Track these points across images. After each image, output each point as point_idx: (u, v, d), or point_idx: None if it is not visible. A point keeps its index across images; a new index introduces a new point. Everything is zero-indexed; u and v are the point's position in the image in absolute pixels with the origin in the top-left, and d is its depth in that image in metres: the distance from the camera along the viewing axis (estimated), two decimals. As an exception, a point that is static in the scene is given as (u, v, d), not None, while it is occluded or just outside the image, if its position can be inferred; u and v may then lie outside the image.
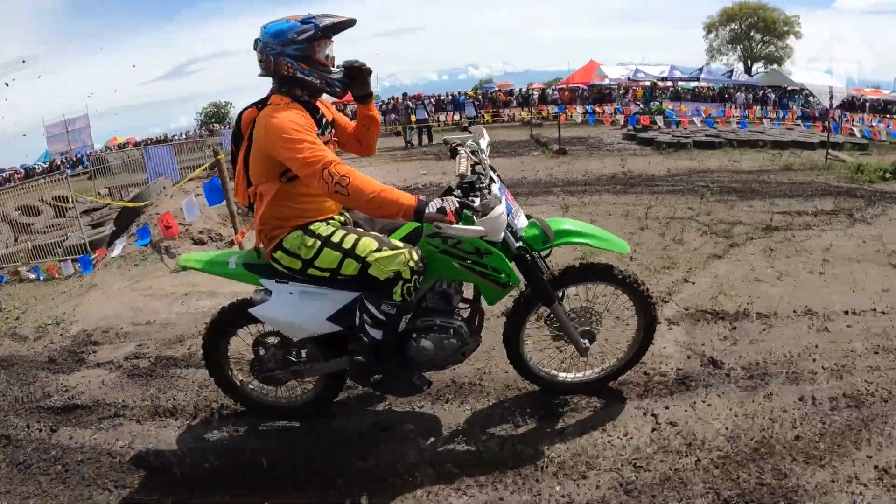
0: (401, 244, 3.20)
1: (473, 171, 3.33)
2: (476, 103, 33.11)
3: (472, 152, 3.50)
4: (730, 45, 59.66)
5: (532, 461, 3.66)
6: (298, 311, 3.40)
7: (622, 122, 22.60)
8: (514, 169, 15.43)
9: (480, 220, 3.03)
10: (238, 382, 3.97)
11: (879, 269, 6.99)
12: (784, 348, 4.91)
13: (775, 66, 53.09)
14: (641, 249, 7.61)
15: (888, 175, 13.65)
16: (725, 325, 5.41)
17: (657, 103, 25.89)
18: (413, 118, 25.07)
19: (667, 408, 4.09)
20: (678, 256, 7.26)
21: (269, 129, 3.02)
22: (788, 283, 6.45)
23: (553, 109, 28.80)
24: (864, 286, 6.36)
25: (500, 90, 45.86)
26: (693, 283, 6.44)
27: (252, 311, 3.47)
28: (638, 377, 4.41)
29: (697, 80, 41.45)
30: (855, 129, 18.96)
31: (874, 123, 23.87)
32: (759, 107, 32.02)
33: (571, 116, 24.26)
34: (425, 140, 24.59)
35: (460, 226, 2.96)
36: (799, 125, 24.13)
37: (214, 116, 65.41)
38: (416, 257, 3.14)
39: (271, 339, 3.71)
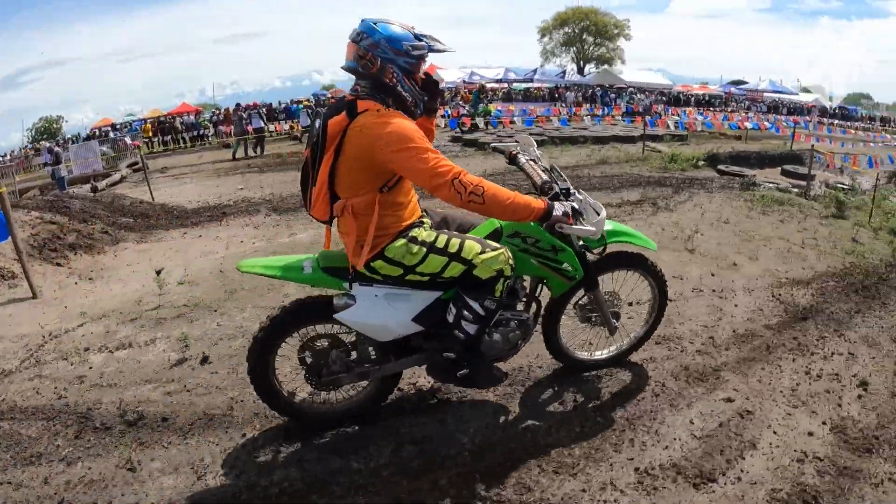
0: (497, 244, 3.42)
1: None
2: (310, 111, 32.02)
3: (532, 160, 3.98)
4: (563, 48, 62.20)
5: (253, 489, 3.44)
6: (386, 313, 3.44)
7: (443, 125, 22.43)
8: (330, 180, 14.77)
9: (592, 222, 3.41)
10: (285, 394, 3.84)
11: (674, 255, 6.99)
12: (555, 350, 4.70)
13: (606, 66, 56.00)
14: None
15: (700, 163, 14.19)
16: (504, 331, 5.12)
17: (484, 105, 26.07)
18: (250, 129, 23.68)
19: (413, 425, 3.94)
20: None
21: (385, 137, 2.98)
22: (577, 278, 6.24)
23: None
24: (656, 275, 6.24)
25: (332, 97, 44.86)
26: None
27: (337, 316, 3.44)
28: (398, 394, 4.24)
29: (531, 81, 42.81)
30: (670, 121, 19.80)
31: (697, 116, 25.18)
32: (588, 105, 33.19)
33: (392, 121, 23.89)
34: (257, 151, 23.17)
35: (577, 226, 3.32)
36: (622, 120, 24.99)
37: (46, 132, 60.54)
38: (510, 255, 3.39)
39: (319, 345, 3.67)
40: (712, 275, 6.39)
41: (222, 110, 37.10)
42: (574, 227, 3.30)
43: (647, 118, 18.10)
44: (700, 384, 4.37)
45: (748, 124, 21.88)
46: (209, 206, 12.06)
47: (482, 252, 3.28)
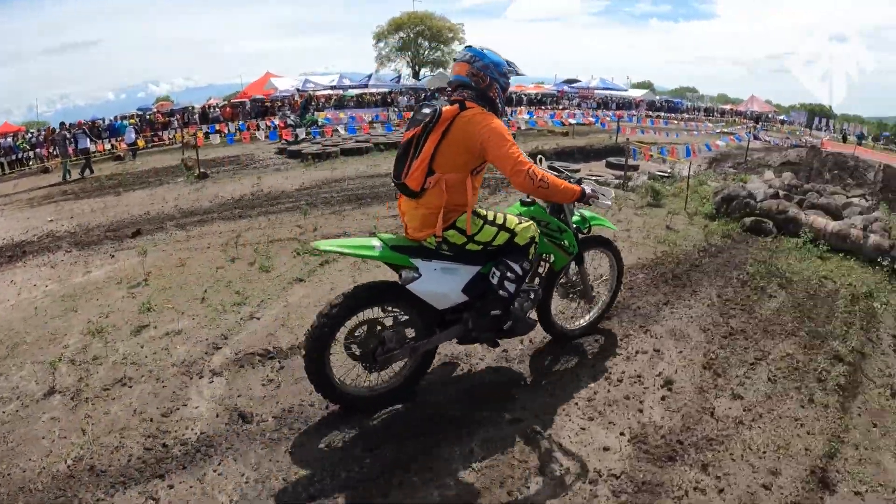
0: (526, 218, 4.37)
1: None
2: (136, 127, 29.62)
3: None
4: (399, 52, 62.14)
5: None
6: (443, 283, 4.07)
7: (263, 137, 21.30)
8: (142, 204, 13.19)
9: (609, 197, 4.51)
10: (338, 382, 4.12)
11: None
12: (339, 384, 4.37)
13: (441, 69, 56.43)
14: (219, 286, 6.54)
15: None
16: (273, 366, 4.76)
17: (310, 115, 25.14)
18: (72, 150, 20.98)
19: (172, 486, 3.53)
20: (255, 288, 6.37)
21: (486, 129, 3.77)
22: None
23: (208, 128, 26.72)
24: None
25: (158, 112, 41.97)
26: (258, 319, 5.61)
27: (409, 287, 3.95)
28: (157, 452, 3.82)
29: (366, 86, 42.25)
30: None
31: (524, 115, 25.34)
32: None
33: (207, 137, 22.43)
34: (85, 173, 20.10)
35: (600, 200, 4.36)
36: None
37: None
38: (536, 227, 4.36)
39: (361, 331, 4.02)
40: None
41: (42, 130, 33.78)
42: (599, 200, 4.33)
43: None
44: (486, 406, 4.05)
45: (573, 120, 22.21)
46: (12, 243, 10.62)
47: (519, 223, 4.18)
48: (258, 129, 22.18)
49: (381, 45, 62.11)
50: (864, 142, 49.86)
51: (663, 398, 4.24)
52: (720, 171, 18.35)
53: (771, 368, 4.76)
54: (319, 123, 23.40)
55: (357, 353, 4.03)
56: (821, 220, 9.17)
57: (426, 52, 62.28)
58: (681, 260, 7.36)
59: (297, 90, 38.61)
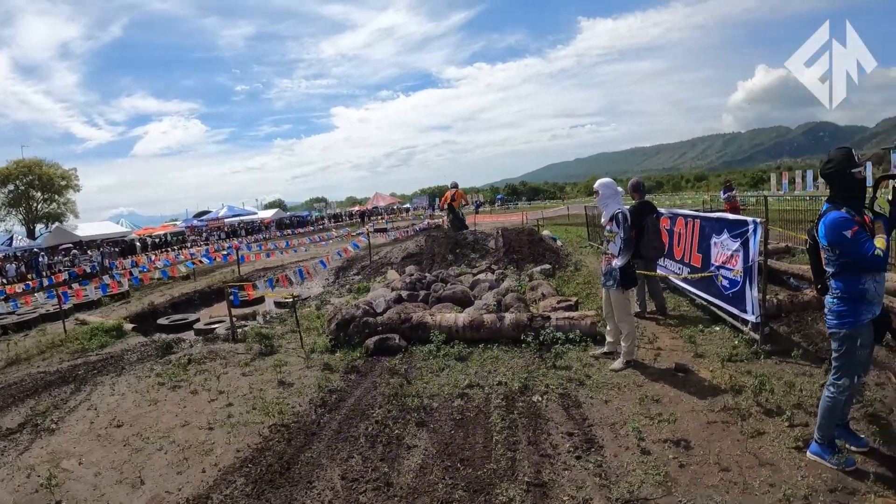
0: None
1: None
2: None
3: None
4: (11, 209, 54.55)
5: None
6: None
7: None
8: None
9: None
10: None
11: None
12: None
13: (59, 223, 50.53)
14: None
15: (127, 326, 12.02)
16: None
17: None
18: None
19: None
20: None
21: None
22: None
23: None
24: None
25: None
26: None
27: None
28: None
29: (-34, 255, 35.87)
30: (85, 290, 15.75)
31: (130, 270, 22.17)
32: (33, 274, 28.25)
33: None
34: None
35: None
36: (39, 297, 18.67)
37: None
38: None
39: None
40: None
41: None
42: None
43: (61, 291, 13.90)
44: None
45: (182, 267, 19.71)
46: None
47: None
48: None
49: (-11, 203, 54.13)
50: (480, 209, 55.02)
51: None
52: (345, 281, 17.36)
53: None
54: None
55: None
56: (449, 316, 8.59)
57: (39, 205, 55.62)
58: (294, 433, 5.73)
59: None
